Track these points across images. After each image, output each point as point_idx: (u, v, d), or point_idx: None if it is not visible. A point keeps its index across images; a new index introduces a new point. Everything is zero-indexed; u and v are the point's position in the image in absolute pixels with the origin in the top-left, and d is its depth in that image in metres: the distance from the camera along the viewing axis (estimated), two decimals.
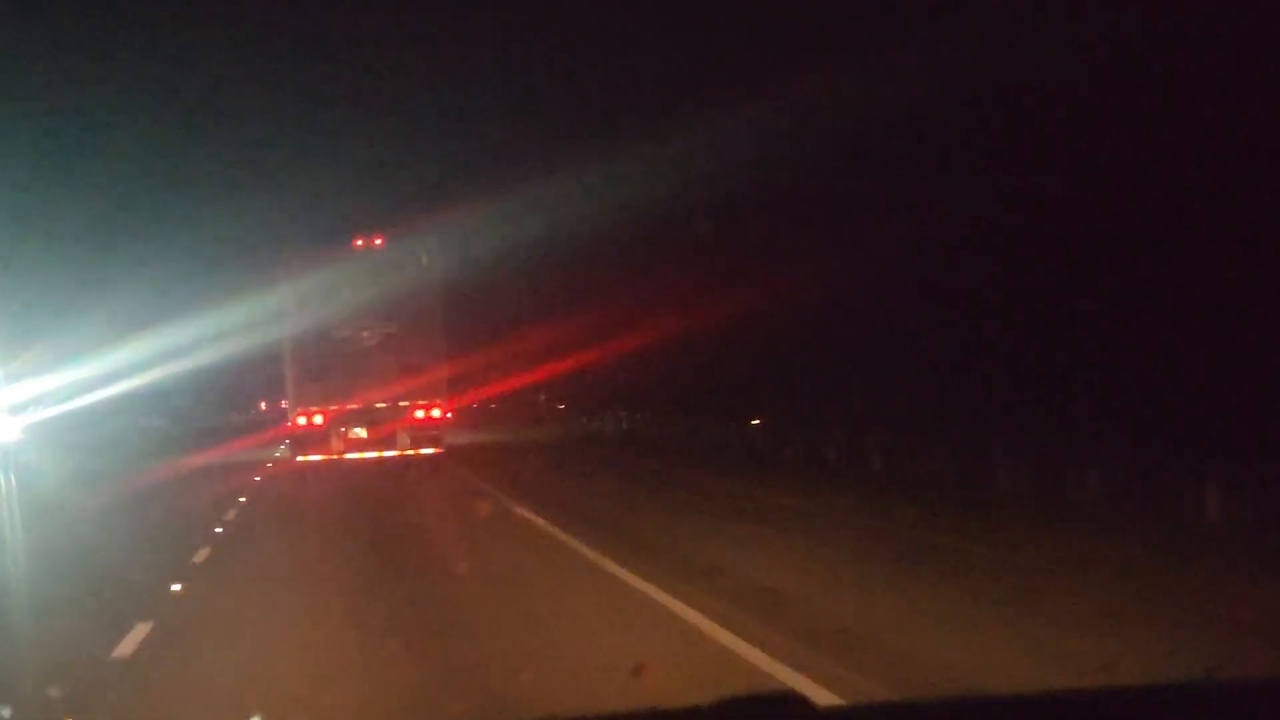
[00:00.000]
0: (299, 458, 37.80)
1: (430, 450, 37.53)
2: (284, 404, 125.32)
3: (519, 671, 9.32)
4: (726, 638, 10.32)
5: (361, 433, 37.98)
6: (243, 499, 27.08)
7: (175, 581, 14.40)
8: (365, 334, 38.23)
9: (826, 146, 36.87)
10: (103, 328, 48.86)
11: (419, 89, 69.07)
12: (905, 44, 34.88)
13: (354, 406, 37.92)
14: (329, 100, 74.79)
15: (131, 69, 77.34)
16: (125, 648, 10.70)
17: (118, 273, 58.99)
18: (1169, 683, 4.60)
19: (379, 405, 37.95)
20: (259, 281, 39.81)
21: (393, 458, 37.15)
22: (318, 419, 37.89)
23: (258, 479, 34.37)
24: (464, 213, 42.80)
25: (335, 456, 37.31)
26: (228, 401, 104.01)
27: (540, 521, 19.76)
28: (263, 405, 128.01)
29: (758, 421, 39.34)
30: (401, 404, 38.04)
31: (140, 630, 11.26)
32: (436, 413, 38.27)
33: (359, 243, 38.75)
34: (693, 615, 11.25)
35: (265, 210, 56.76)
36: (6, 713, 8.22)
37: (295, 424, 38.29)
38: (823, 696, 7.99)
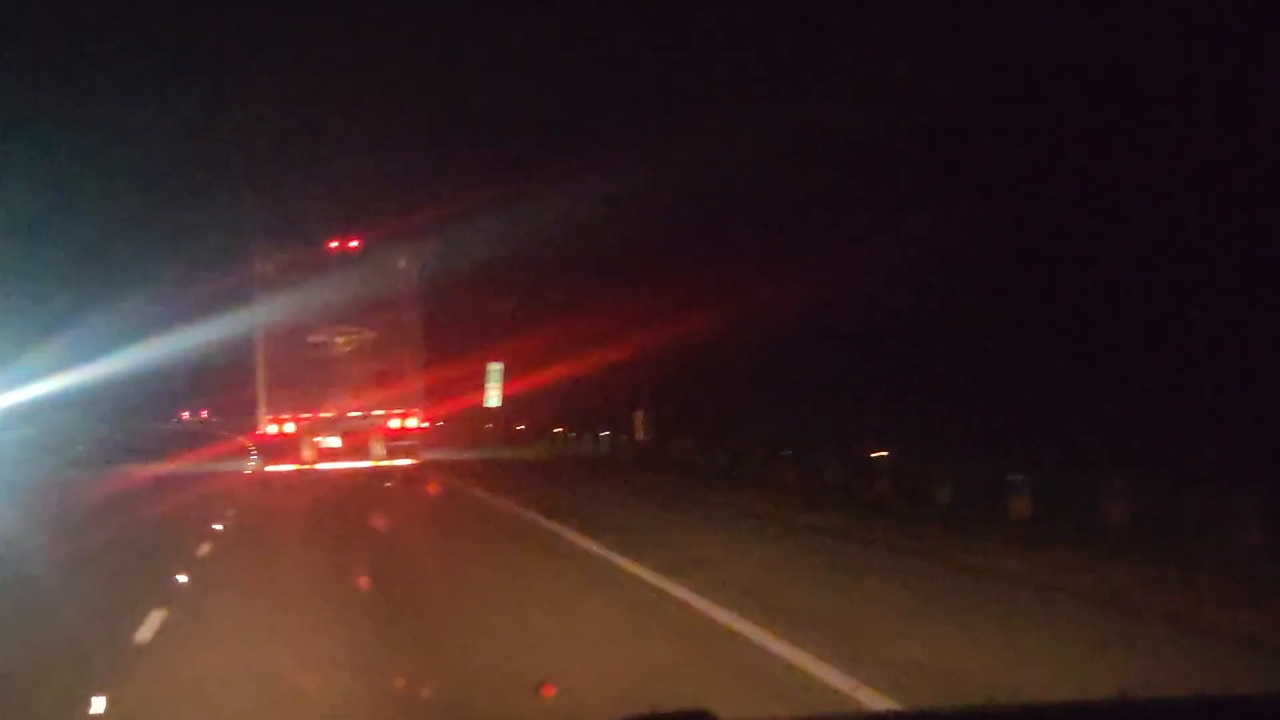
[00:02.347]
0: (268, 467, 36.46)
1: (406, 461, 36.29)
2: (205, 414, 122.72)
3: None
4: None
5: (334, 442, 36.69)
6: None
7: None
8: (340, 340, 36.94)
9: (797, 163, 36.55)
10: (57, 335, 47.20)
11: (399, 84, 67.43)
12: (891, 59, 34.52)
13: (327, 415, 36.61)
14: (302, 95, 72.63)
15: (100, 63, 75.09)
16: None
17: (80, 277, 57.11)
18: (1196, 696, 4.58)
19: (353, 414, 36.68)
20: (229, 285, 38.49)
21: (366, 469, 35.85)
22: (289, 427, 36.54)
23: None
24: (444, 215, 41.47)
25: (307, 466, 35.97)
26: (152, 409, 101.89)
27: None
28: (185, 415, 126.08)
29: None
30: (376, 413, 36.78)
31: None
32: (413, 422, 37.03)
33: (334, 245, 37.47)
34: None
35: (236, 210, 55.04)
36: None
37: (265, 432, 36.88)
38: None
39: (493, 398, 40.72)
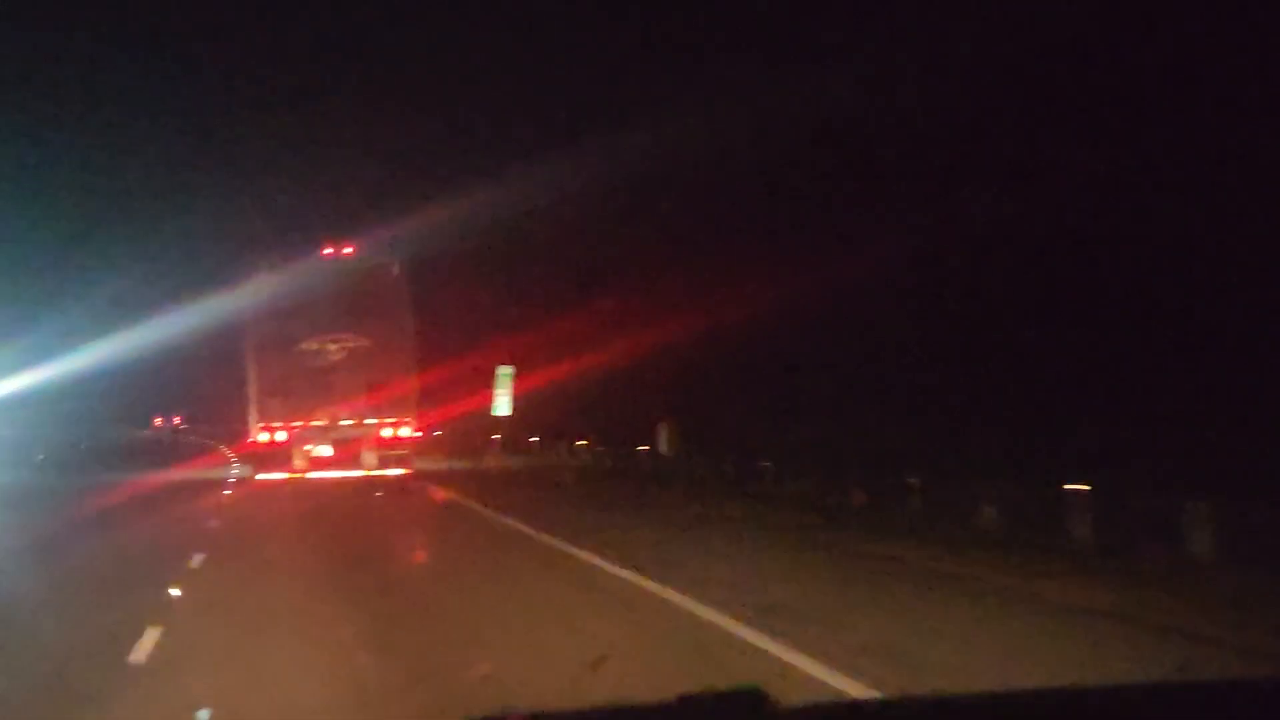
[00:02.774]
0: (259, 475, 35.94)
1: (398, 471, 35.78)
2: (178, 420, 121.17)
3: None
4: None
5: (326, 451, 36.32)
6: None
7: None
8: (333, 348, 36.51)
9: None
10: (34, 337, 46.57)
11: (397, 87, 67.13)
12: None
13: (319, 423, 36.21)
14: (299, 100, 72.13)
15: (93, 64, 74.60)
16: None
17: (70, 279, 56.50)
18: (1172, 681, 4.40)
19: (345, 422, 36.26)
20: (219, 288, 37.98)
21: (357, 479, 35.35)
22: (281, 435, 36.11)
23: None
24: (441, 218, 40.86)
25: (298, 475, 35.51)
26: (128, 415, 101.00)
27: None
28: (159, 421, 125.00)
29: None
30: (368, 421, 36.38)
31: None
32: (405, 431, 36.60)
33: (328, 251, 37.03)
34: None
35: (229, 214, 54.60)
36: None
37: (257, 440, 36.43)
38: None
39: (502, 405, 37.67)
